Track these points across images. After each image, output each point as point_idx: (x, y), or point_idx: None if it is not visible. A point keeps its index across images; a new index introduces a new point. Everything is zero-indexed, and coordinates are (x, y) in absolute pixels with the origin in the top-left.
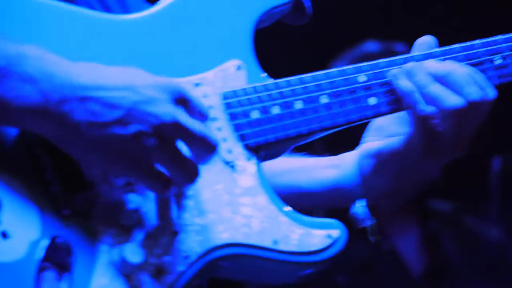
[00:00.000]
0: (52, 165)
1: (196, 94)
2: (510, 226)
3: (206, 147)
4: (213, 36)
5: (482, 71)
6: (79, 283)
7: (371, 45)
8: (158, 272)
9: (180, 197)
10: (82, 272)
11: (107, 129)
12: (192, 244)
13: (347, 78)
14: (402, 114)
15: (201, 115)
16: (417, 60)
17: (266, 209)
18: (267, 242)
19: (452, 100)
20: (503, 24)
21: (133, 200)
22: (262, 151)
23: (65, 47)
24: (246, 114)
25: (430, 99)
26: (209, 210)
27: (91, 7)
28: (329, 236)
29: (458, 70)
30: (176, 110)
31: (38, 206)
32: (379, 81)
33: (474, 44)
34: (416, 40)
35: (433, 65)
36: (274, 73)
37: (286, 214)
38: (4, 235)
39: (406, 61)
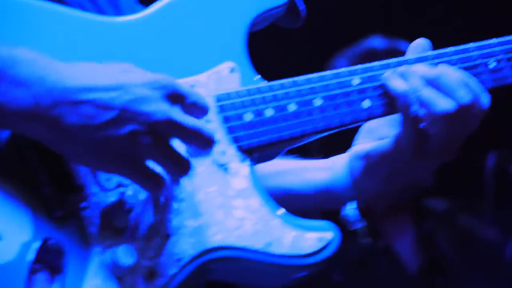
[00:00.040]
0: (44, 166)
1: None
2: (505, 225)
3: (202, 142)
4: (207, 38)
5: (476, 74)
6: (71, 285)
7: (375, 41)
8: (150, 275)
9: (173, 199)
10: (74, 274)
11: (100, 130)
12: (184, 246)
13: (341, 81)
14: (394, 116)
15: (199, 109)
16: (411, 63)
17: (259, 211)
18: (259, 245)
19: (443, 104)
20: (503, 24)
21: (126, 202)
22: (256, 153)
23: (58, 50)
24: (239, 117)
25: (422, 103)
26: (202, 213)
27: (84, 8)
28: (322, 239)
29: (451, 74)
30: (168, 106)
31: (30, 208)
32: (373, 84)
33: (468, 48)
34: (411, 43)
35: (425, 68)
36: (268, 75)
37: (279, 216)
38: None
39: (399, 64)
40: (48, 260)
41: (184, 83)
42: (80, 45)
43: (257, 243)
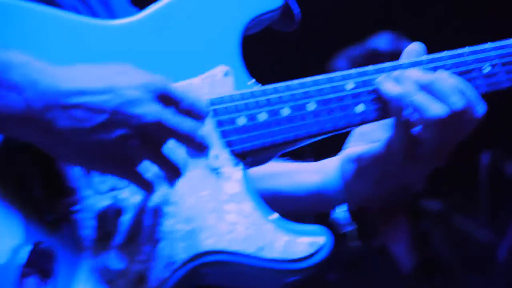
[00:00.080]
0: (36, 170)
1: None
2: (499, 224)
3: (195, 146)
4: (201, 42)
5: (471, 79)
6: None
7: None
8: (141, 279)
9: (165, 203)
10: (65, 278)
11: (92, 134)
12: (176, 250)
13: (335, 85)
14: (386, 120)
15: (195, 113)
16: (405, 68)
17: (251, 216)
18: (251, 249)
19: (435, 109)
20: (503, 24)
21: (119, 205)
22: (249, 157)
23: (52, 53)
24: (233, 121)
25: (414, 107)
26: (194, 217)
27: (77, 11)
28: (314, 243)
29: (445, 79)
30: (160, 109)
31: (21, 212)
32: (367, 88)
33: (463, 52)
34: (405, 48)
35: (419, 73)
36: (263, 79)
37: (272, 221)
38: None
39: (394, 68)
40: (39, 264)
41: (179, 86)
42: (73, 49)
43: (249, 248)
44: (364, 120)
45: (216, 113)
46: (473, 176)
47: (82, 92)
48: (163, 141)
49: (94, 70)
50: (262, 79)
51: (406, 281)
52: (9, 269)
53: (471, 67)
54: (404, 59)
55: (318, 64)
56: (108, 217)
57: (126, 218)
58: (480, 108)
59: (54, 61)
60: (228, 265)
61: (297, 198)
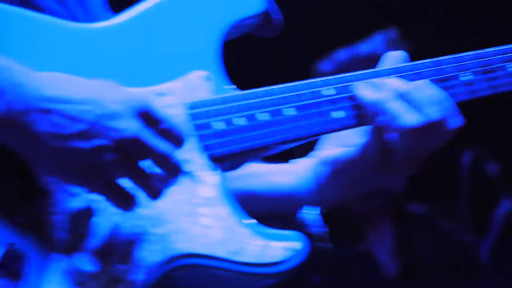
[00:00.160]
0: (8, 172)
1: (159, 104)
2: (479, 224)
3: (169, 169)
4: (181, 46)
5: (451, 87)
6: None
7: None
8: (114, 281)
9: (140, 206)
10: (35, 280)
11: (68, 141)
12: (150, 253)
13: (314, 91)
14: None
15: (173, 136)
16: (385, 75)
17: (226, 220)
18: (225, 253)
19: (409, 118)
20: (503, 24)
21: (93, 208)
22: (227, 161)
23: (31, 56)
24: (211, 125)
25: (389, 114)
26: (168, 220)
27: (57, 14)
28: (289, 248)
29: (423, 89)
30: (139, 126)
31: None
32: (346, 94)
33: (444, 60)
34: (385, 54)
35: (398, 82)
36: (242, 85)
37: (246, 225)
38: None
39: (375, 75)
40: (10, 265)
41: (154, 90)
42: (53, 51)
43: (222, 251)
44: (343, 126)
45: (194, 117)
46: (455, 177)
47: (66, 101)
48: (139, 159)
49: (79, 81)
50: (243, 84)
51: (390, 285)
52: None
53: (451, 74)
54: (385, 66)
55: (302, 68)
56: (81, 219)
57: (99, 220)
58: (456, 121)
59: (33, 64)
60: (203, 268)
61: (269, 199)
